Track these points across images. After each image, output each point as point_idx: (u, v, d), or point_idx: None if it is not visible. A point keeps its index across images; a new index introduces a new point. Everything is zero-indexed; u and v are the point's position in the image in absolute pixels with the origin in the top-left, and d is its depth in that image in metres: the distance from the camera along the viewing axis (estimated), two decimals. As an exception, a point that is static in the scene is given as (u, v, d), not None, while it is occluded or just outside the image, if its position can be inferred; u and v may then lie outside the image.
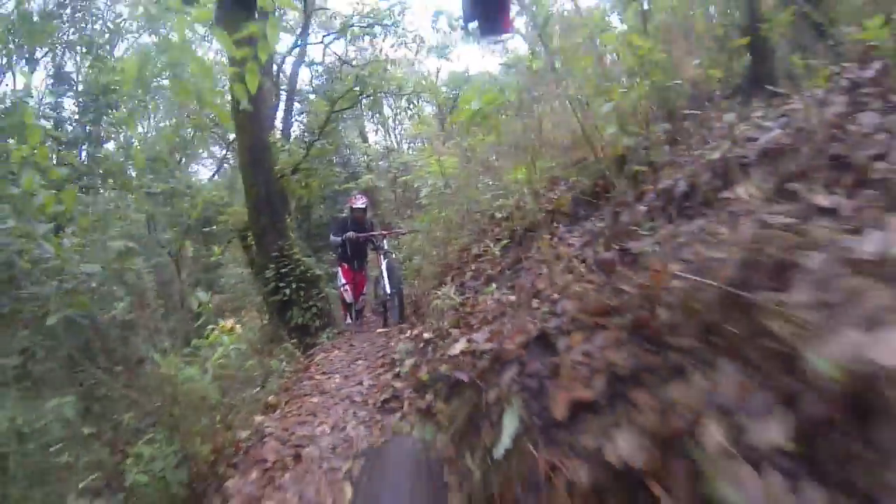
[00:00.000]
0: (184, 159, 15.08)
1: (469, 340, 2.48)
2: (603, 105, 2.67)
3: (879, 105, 2.20)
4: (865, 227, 1.26)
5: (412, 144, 18.08)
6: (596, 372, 1.25)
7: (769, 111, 2.85)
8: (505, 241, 4.08)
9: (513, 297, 2.78)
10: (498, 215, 4.60)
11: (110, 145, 10.36)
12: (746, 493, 0.77)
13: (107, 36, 11.16)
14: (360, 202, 7.01)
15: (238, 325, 3.59)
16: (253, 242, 7.26)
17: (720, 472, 0.81)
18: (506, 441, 1.34)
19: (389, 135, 18.71)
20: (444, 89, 19.00)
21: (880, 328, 0.82)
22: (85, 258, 3.96)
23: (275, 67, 12.00)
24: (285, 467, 2.58)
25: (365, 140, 17.40)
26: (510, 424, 1.36)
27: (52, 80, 10.23)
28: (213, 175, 16.62)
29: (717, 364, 0.98)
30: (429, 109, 18.72)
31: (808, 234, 1.29)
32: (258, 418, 3.29)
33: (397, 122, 18.45)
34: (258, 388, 3.65)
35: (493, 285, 3.39)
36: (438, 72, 19.38)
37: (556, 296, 2.02)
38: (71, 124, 9.81)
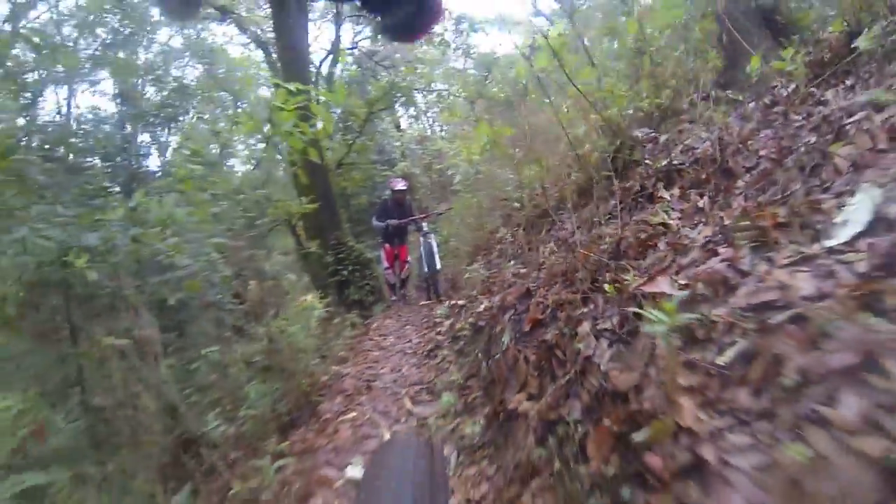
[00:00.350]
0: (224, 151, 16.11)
1: (489, 301, 3.47)
2: (580, 127, 3.58)
3: (780, 121, 3.05)
4: (699, 222, 2.20)
5: (445, 129, 18.77)
6: (546, 306, 2.23)
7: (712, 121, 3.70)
8: (522, 226, 5.00)
9: (522, 270, 3.74)
10: (517, 204, 5.51)
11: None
12: (592, 348, 1.75)
13: (161, 58, 12.33)
14: (400, 185, 7.60)
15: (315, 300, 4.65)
16: (302, 232, 8.29)
17: (583, 340, 1.78)
18: (502, 347, 2.35)
19: (422, 123, 19.53)
20: (472, 72, 19.83)
21: (658, 276, 1.78)
22: (188, 254, 5.07)
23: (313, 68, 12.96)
24: (361, 393, 3.64)
25: (398, 129, 18.29)
26: (505, 339, 2.37)
27: (119, 99, 11.39)
28: (253, 169, 17.64)
29: (594, 297, 1.95)
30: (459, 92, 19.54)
31: (668, 226, 2.24)
32: (335, 367, 4.36)
33: (429, 111, 19.25)
34: (335, 344, 4.72)
35: (511, 262, 4.32)
36: (466, 56, 20.16)
37: (543, 266, 2.99)
38: (138, 135, 10.97)
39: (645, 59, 3.56)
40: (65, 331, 6.32)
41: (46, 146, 8.07)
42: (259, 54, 15.16)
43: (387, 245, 7.50)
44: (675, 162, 3.22)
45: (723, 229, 1.86)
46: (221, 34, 15.89)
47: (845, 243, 1.45)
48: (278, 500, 2.40)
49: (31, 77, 9.34)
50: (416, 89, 12.27)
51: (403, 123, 19.53)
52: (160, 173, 9.44)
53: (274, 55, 12.67)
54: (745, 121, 3.34)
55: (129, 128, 11.59)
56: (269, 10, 10.78)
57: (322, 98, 3.59)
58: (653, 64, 3.86)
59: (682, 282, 1.62)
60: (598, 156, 3.60)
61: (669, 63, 3.71)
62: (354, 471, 2.51)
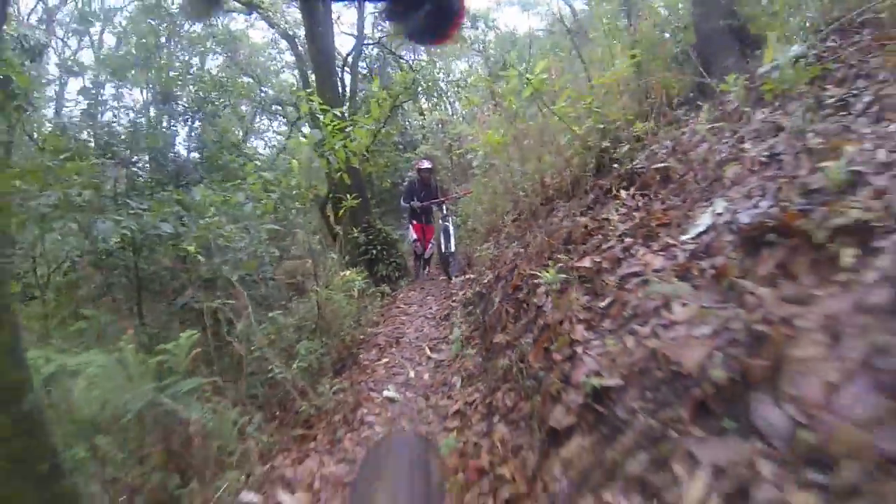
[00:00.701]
0: (247, 135, 16.98)
1: (492, 274, 4.44)
2: (566, 136, 4.49)
3: (717, 136, 3.89)
4: (630, 218, 3.12)
5: (465, 113, 19.46)
6: (524, 276, 3.20)
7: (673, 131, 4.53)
8: (525, 213, 5.93)
9: (520, 250, 4.69)
10: (522, 193, 6.43)
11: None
12: (543, 301, 2.71)
13: (197, 58, 13.34)
14: (425, 164, 8.34)
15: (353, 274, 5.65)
16: (331, 214, 9.27)
17: (538, 297, 2.74)
18: (493, 306, 3.33)
19: (443, 106, 20.27)
20: (491, 51, 20.75)
21: (586, 256, 2.73)
22: (245, 239, 6.12)
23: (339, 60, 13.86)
24: (391, 346, 4.66)
25: (421, 113, 19.09)
26: (496, 300, 3.35)
27: (160, 97, 12.30)
28: (278, 154, 18.58)
29: (552, 266, 2.91)
30: (480, 72, 20.55)
31: (609, 220, 3.17)
32: (370, 329, 5.38)
33: (449, 93, 20.00)
34: (369, 310, 5.75)
35: (515, 243, 5.25)
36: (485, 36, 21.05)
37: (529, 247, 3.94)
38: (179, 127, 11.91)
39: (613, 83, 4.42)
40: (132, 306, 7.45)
41: (102, 144, 9.15)
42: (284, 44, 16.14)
43: (414, 221, 8.30)
44: (637, 166, 4.08)
45: (633, 225, 2.81)
46: (242, 21, 16.66)
47: (692, 238, 2.37)
48: (336, 411, 3.43)
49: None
50: (435, 81, 13.13)
51: (425, 105, 20.35)
52: (200, 165, 10.33)
53: (300, 47, 13.62)
54: (695, 133, 4.17)
55: (171, 124, 12.54)
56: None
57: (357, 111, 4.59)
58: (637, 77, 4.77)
59: (597, 259, 2.57)
60: (578, 159, 4.51)
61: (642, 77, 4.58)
62: (389, 393, 3.54)
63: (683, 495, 1.27)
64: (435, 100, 17.17)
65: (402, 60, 14.53)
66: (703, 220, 2.42)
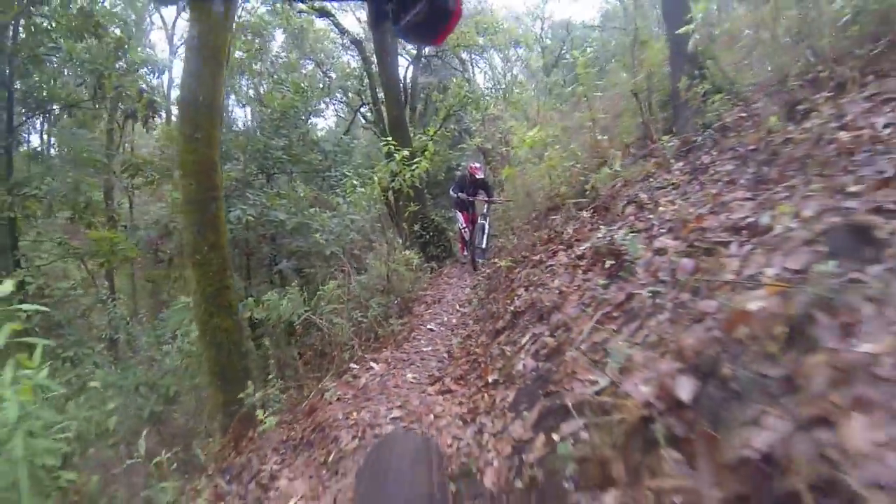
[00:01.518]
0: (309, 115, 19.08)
1: (507, 260, 6.84)
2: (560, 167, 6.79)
3: (650, 181, 6.11)
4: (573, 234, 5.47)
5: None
6: (523, 257, 5.59)
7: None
8: (537, 215, 8.24)
9: (520, 244, 7.04)
10: (538, 200, 8.73)
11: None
12: (518, 276, 5.10)
13: (281, 67, 16.17)
14: (479, 173, 9.51)
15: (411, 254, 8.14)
16: (391, 199, 11.82)
17: (515, 273, 5.13)
18: (496, 279, 5.77)
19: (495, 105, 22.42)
20: (548, 41, 23.07)
21: (539, 254, 5.12)
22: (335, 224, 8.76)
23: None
24: (435, 303, 7.16)
25: (475, 110, 21.33)
26: (503, 266, 5.79)
27: (258, 109, 14.99)
28: (344, 132, 20.92)
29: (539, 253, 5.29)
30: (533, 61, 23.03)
31: (562, 232, 5.53)
32: (420, 291, 7.89)
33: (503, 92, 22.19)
34: (421, 279, 8.27)
35: (524, 239, 7.59)
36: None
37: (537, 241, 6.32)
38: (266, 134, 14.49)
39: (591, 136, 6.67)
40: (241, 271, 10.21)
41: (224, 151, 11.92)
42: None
43: (464, 212, 9.49)
44: (599, 195, 6.33)
45: (569, 236, 5.14)
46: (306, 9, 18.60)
47: (583, 249, 4.71)
48: (400, 333, 5.94)
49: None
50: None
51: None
52: (287, 162, 12.66)
53: (369, 53, 16.17)
54: (640, 174, 6.36)
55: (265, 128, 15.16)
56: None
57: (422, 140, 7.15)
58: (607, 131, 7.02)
59: (542, 255, 4.95)
60: (572, 183, 6.77)
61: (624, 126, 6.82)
62: (430, 326, 6.04)
63: (521, 342, 3.68)
64: (486, 102, 19.44)
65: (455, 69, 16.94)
66: (591, 240, 4.72)
